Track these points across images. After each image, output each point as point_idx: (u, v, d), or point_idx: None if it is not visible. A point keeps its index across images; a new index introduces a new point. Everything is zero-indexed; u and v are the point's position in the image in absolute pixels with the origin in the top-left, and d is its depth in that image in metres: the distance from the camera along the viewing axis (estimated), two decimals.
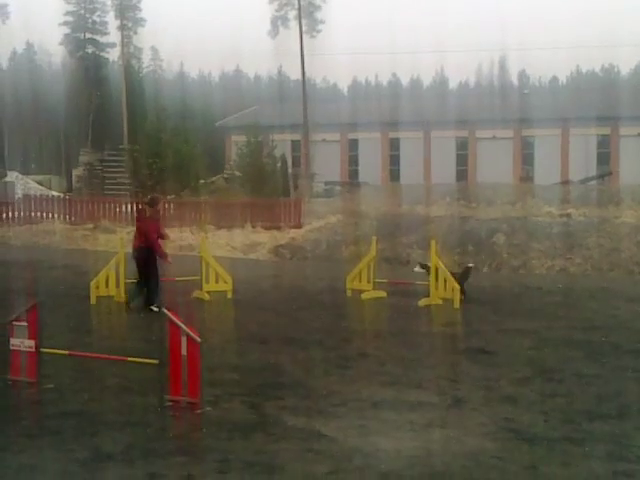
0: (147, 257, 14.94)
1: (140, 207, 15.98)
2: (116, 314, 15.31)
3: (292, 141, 59.08)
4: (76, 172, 58.21)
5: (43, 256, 25.08)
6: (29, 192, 42.41)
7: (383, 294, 16.95)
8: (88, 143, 70.24)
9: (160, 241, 15.40)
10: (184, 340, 8.65)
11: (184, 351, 8.64)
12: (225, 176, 50.40)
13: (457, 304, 15.45)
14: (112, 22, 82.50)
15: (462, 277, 16.55)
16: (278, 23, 69.58)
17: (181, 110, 55.85)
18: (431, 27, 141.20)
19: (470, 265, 17.53)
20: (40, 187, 51.18)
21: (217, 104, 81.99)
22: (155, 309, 14.20)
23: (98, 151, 57.60)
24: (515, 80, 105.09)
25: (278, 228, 31.04)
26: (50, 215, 34.51)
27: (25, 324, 9.60)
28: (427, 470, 7.05)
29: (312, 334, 13.04)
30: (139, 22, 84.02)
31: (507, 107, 60.26)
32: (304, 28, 64.71)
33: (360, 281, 17.16)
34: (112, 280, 16.25)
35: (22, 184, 48.59)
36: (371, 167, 59.12)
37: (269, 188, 41.39)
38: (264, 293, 17.89)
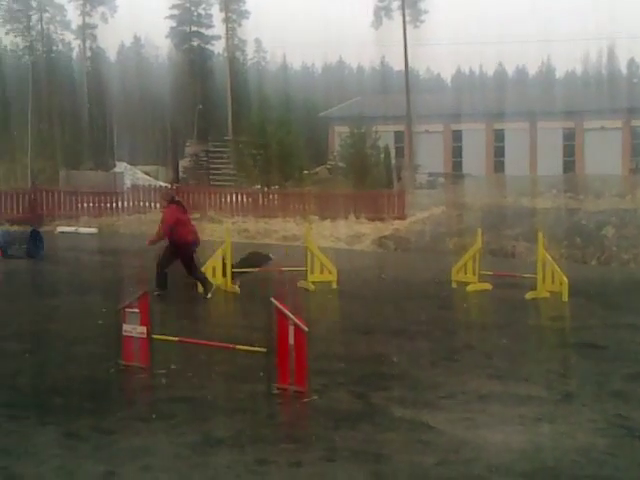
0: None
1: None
2: (223, 302, 15.55)
3: (395, 132, 58.82)
4: (182, 163, 59.26)
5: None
6: (137, 182, 43.40)
7: (488, 286, 16.77)
8: (194, 134, 71.33)
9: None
10: (291, 329, 8.72)
11: (291, 340, 8.72)
12: (328, 167, 50.63)
13: (565, 297, 15.17)
14: (217, 15, 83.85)
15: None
16: (381, 14, 69.49)
17: (284, 101, 56.23)
18: (537, 15, 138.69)
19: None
20: (148, 177, 52.30)
21: (320, 95, 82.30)
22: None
23: (203, 142, 58.50)
24: (624, 69, 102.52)
25: (382, 219, 31.02)
26: (158, 205, 35.18)
27: (137, 311, 9.82)
28: (537, 465, 6.95)
29: (418, 325, 13.00)
30: (243, 14, 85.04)
31: (616, 97, 58.76)
32: (407, 18, 64.38)
33: (465, 273, 17.01)
34: (219, 269, 16.48)
35: (130, 175, 49.71)
36: (475, 158, 58.47)
37: (372, 179, 41.37)
38: (369, 284, 17.91)
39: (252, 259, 16.56)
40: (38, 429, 7.62)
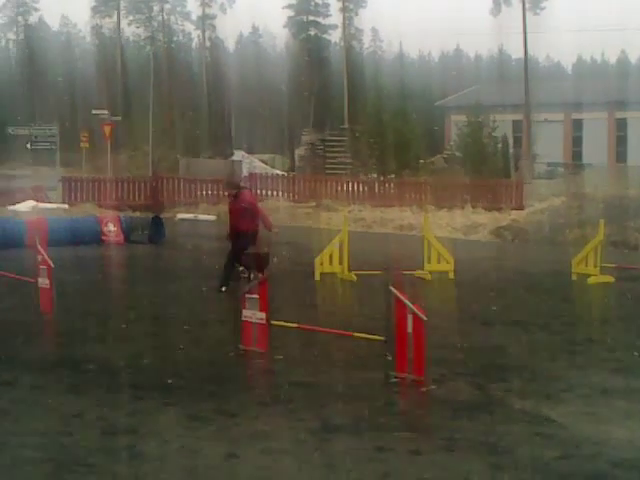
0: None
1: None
2: (340, 290, 15.62)
3: (513, 121, 57.76)
4: (298, 152, 59.68)
5: (268, 232, 25.88)
6: (254, 171, 43.88)
7: (610, 279, 16.36)
8: (310, 123, 71.81)
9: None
10: (410, 318, 8.70)
11: (410, 329, 8.70)
12: (444, 156, 50.23)
13: None
14: (334, 4, 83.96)
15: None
16: (500, 1, 68.47)
17: (401, 90, 55.95)
18: None
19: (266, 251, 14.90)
20: (264, 166, 52.80)
21: (437, 84, 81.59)
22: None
23: (320, 131, 58.80)
24: None
25: (499, 209, 30.64)
26: (274, 193, 35.59)
27: (256, 297, 9.95)
28: None
29: (537, 317, 12.78)
30: (360, 3, 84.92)
31: None
32: (527, 5, 63.21)
33: (586, 265, 16.62)
34: (335, 257, 16.54)
35: (248, 163, 50.27)
36: (596, 148, 56.95)
37: (489, 169, 40.92)
38: (486, 274, 17.70)
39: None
40: (162, 410, 7.82)
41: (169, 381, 8.74)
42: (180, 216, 30.50)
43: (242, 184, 16.22)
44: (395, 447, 6.90)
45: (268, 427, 7.36)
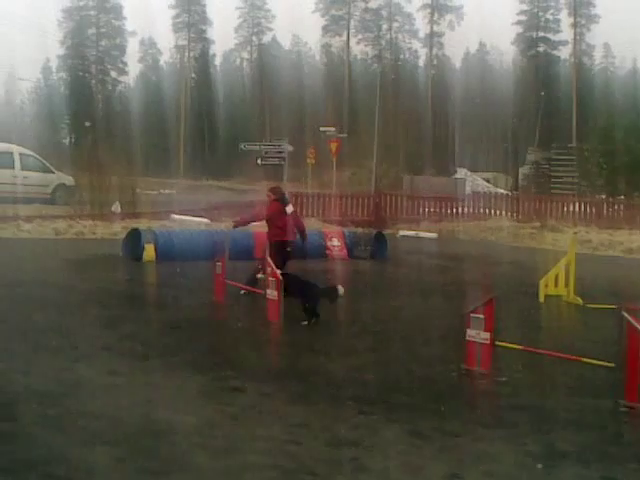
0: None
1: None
2: (566, 313, 15.20)
3: None
4: (522, 170, 58.82)
5: (491, 252, 25.71)
6: (477, 189, 43.62)
7: None
8: (535, 141, 70.50)
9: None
10: None
11: None
12: None
13: None
14: (565, 20, 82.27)
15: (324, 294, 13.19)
16: None
17: (634, 107, 53.96)
18: None
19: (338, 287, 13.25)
20: (487, 184, 52.39)
21: None
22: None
23: (545, 150, 57.70)
24: None
25: None
26: (497, 212, 35.21)
27: (482, 316, 9.83)
28: None
29: None
30: (593, 19, 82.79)
31: None
32: None
33: None
34: (561, 279, 16.12)
35: (470, 181, 50.06)
36: None
37: None
38: None
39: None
40: (385, 425, 7.87)
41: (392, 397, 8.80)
42: (402, 233, 30.75)
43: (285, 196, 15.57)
44: (623, 479, 6.62)
45: (491, 449, 7.26)
